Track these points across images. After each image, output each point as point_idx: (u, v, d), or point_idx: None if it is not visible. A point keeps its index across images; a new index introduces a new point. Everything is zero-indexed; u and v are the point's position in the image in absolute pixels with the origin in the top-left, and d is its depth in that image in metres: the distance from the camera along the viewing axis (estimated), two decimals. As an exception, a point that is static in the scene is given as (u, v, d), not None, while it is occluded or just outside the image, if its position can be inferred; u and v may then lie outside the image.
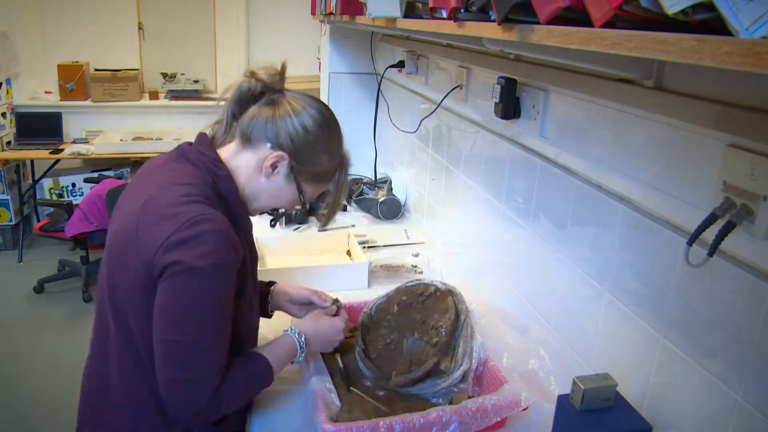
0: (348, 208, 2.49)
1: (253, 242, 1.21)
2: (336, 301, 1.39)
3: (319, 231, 2.14)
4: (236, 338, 1.10)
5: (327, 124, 1.13)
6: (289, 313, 1.41)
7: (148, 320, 1.00)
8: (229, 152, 1.13)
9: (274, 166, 1.11)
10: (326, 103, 1.18)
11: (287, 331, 1.24)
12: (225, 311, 1.02)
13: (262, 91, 1.14)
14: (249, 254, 1.14)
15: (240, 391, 1.07)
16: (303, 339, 1.23)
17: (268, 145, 1.10)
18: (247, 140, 1.12)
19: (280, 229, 2.20)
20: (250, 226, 1.18)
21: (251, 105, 1.14)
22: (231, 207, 1.10)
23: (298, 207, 1.18)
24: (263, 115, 1.11)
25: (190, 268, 0.96)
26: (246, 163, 1.12)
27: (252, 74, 1.13)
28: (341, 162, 1.18)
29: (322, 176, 1.16)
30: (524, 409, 1.16)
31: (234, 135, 1.15)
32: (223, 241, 0.99)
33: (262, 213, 1.21)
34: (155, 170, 1.12)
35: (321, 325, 1.30)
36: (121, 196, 1.14)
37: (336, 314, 1.36)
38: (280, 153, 1.10)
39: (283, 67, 1.15)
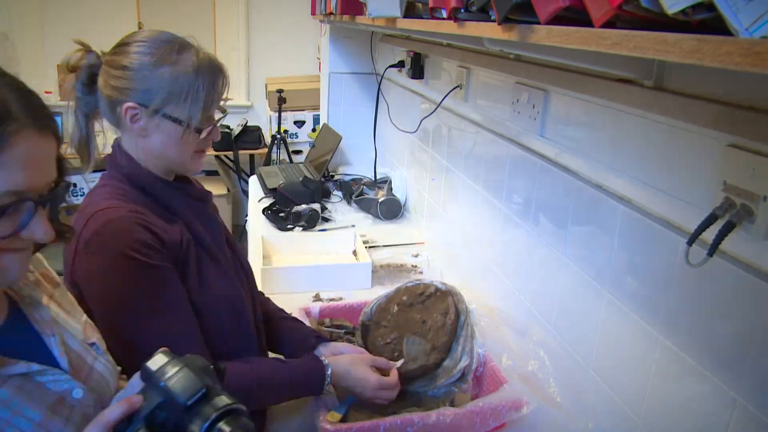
0: (350, 205, 2.49)
1: (211, 214, 1.18)
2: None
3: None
4: (220, 313, 1.10)
5: (153, 46, 1.04)
6: None
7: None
8: (121, 140, 1.11)
9: (134, 121, 1.06)
10: (213, 55, 1.10)
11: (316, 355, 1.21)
12: (156, 293, 1.01)
13: (93, 73, 1.08)
14: (204, 229, 1.13)
15: (242, 374, 1.07)
16: (329, 370, 1.16)
17: (117, 108, 1.06)
18: (109, 117, 1.09)
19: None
20: (193, 200, 1.14)
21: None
22: (153, 190, 1.09)
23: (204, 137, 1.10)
24: (99, 90, 1.07)
25: (97, 268, 0.99)
26: (126, 138, 1.10)
27: (73, 68, 1.08)
28: (197, 71, 1.05)
29: (175, 85, 1.04)
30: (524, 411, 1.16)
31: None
32: (120, 228, 0.99)
33: (198, 170, 1.14)
34: None
35: (357, 365, 1.20)
36: None
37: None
38: (125, 106, 1.04)
39: (81, 42, 1.09)
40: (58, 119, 4.52)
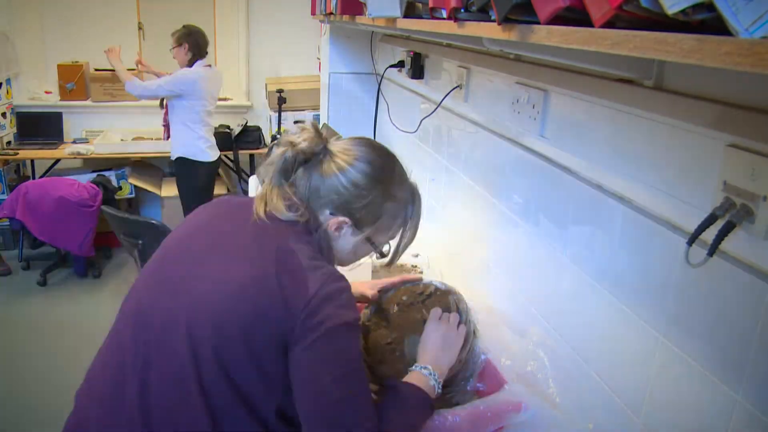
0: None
1: None
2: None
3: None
4: None
5: (380, 171, 1.09)
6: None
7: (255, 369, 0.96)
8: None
9: (338, 229, 1.08)
10: (371, 139, 1.16)
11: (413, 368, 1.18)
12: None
13: (306, 158, 1.08)
14: None
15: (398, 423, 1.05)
16: (434, 374, 1.15)
17: (327, 211, 1.07)
18: (310, 208, 1.08)
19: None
20: None
21: (296, 171, 1.09)
22: None
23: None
24: (314, 182, 1.07)
25: (343, 322, 0.96)
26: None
27: (291, 144, 1.07)
28: (409, 199, 1.14)
29: (392, 220, 1.12)
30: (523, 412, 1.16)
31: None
32: (353, 297, 1.02)
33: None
34: (256, 226, 1.05)
35: (434, 339, 1.23)
36: (205, 234, 1.09)
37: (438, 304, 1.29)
38: (340, 219, 1.07)
39: (315, 125, 1.10)
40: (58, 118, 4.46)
